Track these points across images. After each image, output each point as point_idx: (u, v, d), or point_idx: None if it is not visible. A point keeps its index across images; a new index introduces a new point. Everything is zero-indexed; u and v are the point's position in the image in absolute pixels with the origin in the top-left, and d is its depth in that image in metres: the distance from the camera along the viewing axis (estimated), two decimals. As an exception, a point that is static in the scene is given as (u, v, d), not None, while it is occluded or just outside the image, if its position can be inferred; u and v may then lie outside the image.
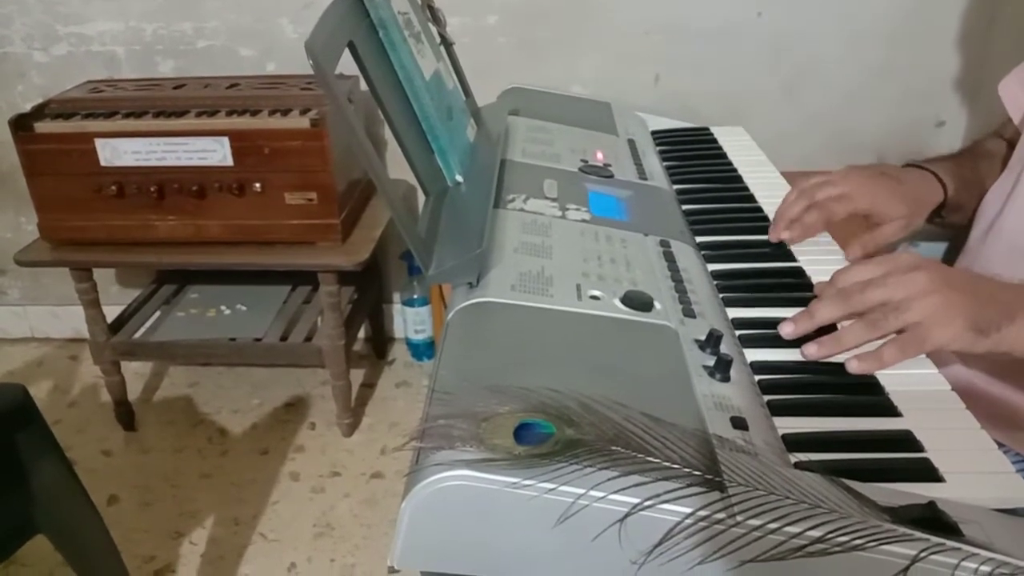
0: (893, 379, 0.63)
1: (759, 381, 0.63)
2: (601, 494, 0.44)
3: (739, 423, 0.55)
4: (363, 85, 0.73)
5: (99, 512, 1.06)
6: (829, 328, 0.67)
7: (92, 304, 1.56)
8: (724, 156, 1.13)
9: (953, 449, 0.56)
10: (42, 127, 1.43)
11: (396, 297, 1.95)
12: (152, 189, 1.44)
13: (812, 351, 0.65)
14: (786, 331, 0.67)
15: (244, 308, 1.73)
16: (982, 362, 0.80)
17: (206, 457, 1.64)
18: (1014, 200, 0.83)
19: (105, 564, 1.09)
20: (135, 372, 1.86)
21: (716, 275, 0.79)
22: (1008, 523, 0.49)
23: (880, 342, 0.64)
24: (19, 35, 1.69)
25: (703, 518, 0.44)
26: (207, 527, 1.46)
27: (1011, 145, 0.91)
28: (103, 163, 1.44)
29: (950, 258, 1.01)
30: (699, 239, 0.86)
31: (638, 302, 0.66)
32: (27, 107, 1.49)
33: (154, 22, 1.67)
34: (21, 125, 1.42)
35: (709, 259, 0.82)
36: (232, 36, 1.68)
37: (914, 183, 0.88)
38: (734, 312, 0.73)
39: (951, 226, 0.95)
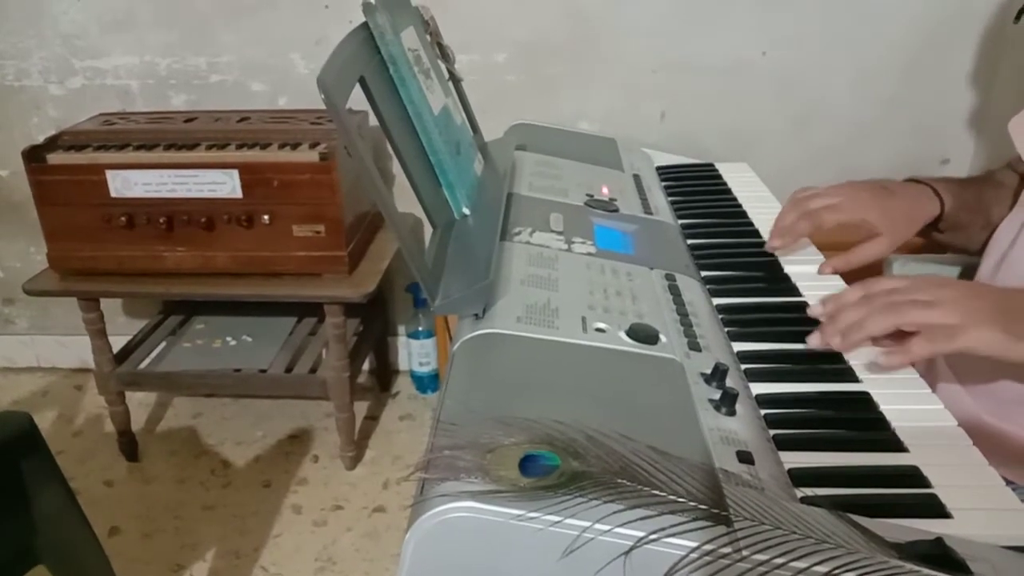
0: (900, 414, 0.63)
1: (765, 415, 0.63)
2: (606, 527, 0.44)
3: (745, 457, 0.54)
4: (372, 120, 0.74)
5: (100, 543, 1.05)
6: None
7: (99, 334, 1.57)
8: (729, 192, 1.14)
9: (961, 485, 0.56)
10: (54, 158, 1.45)
11: (401, 330, 1.95)
12: (161, 220, 1.45)
13: (837, 342, 0.67)
14: (814, 341, 0.70)
15: (249, 339, 1.73)
16: (989, 397, 0.80)
17: (209, 489, 1.63)
18: None
19: (105, 596, 1.08)
20: (139, 402, 1.86)
21: (721, 309, 0.79)
22: (1017, 561, 0.48)
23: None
24: (36, 68, 1.72)
25: (709, 552, 0.44)
26: (208, 560, 1.45)
27: (1023, 180, 0.92)
28: (113, 194, 1.45)
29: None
30: (704, 273, 0.87)
31: (643, 335, 0.66)
32: (41, 139, 1.51)
33: (168, 56, 1.70)
34: (34, 156, 1.44)
35: (714, 293, 0.83)
36: (244, 71, 1.71)
37: (908, 197, 0.89)
38: (739, 346, 0.73)
39: (950, 246, 0.96)
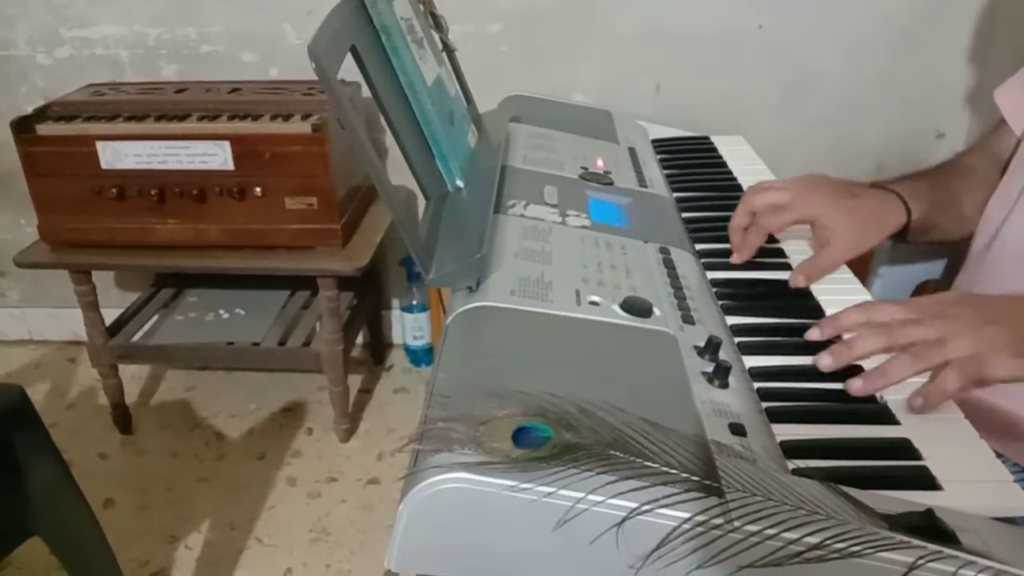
0: (891, 388, 0.63)
1: (757, 388, 0.63)
2: (599, 498, 0.44)
3: (737, 429, 0.55)
4: (365, 91, 0.73)
5: (95, 515, 1.05)
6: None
7: (91, 307, 1.56)
8: (724, 165, 1.13)
9: (951, 458, 0.56)
10: (44, 129, 1.43)
11: (395, 303, 1.94)
12: (152, 192, 1.44)
13: (857, 386, 0.62)
14: (824, 363, 0.64)
15: (242, 312, 1.72)
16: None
17: (203, 461, 1.63)
18: (1020, 206, 0.82)
19: (100, 567, 1.09)
20: (132, 375, 1.86)
21: (715, 283, 0.79)
22: (1006, 532, 0.49)
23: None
24: (23, 38, 1.70)
25: (701, 523, 0.44)
26: (203, 531, 1.46)
27: (1000, 158, 0.91)
28: (104, 166, 1.44)
29: (950, 273, 1.00)
30: (698, 247, 0.87)
31: (637, 308, 0.66)
32: (29, 109, 1.49)
33: (158, 27, 1.68)
34: (23, 127, 1.42)
35: (708, 267, 0.83)
36: (235, 41, 1.69)
37: (873, 202, 0.84)
38: (733, 319, 0.73)
39: (927, 244, 0.93)
